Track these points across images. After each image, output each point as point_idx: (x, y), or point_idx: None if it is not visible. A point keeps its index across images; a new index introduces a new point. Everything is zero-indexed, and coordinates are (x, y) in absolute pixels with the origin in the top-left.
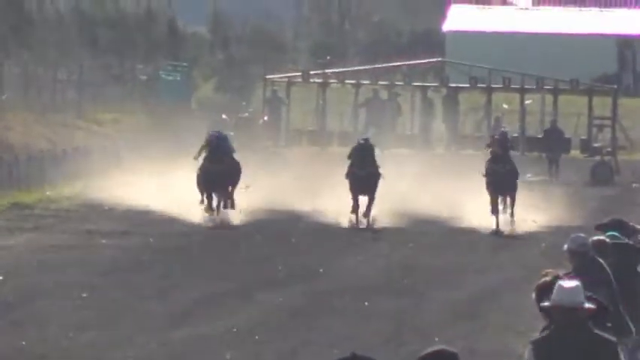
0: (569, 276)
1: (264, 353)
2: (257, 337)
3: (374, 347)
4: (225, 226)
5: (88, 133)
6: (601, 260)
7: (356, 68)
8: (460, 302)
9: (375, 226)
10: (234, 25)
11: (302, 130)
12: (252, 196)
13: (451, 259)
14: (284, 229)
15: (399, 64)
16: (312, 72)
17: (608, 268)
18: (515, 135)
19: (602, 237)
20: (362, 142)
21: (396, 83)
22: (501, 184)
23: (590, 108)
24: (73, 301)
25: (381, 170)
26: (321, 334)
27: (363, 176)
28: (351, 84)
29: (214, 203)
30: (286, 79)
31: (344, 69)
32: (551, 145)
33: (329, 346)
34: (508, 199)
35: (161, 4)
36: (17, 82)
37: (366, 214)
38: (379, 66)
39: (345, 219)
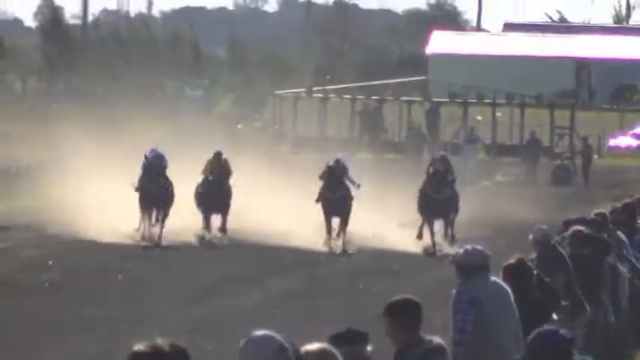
0: (531, 261)
1: (273, 327)
2: (266, 314)
3: (366, 323)
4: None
5: (122, 140)
6: (560, 249)
7: (352, 85)
8: (439, 283)
9: (350, 251)
10: (248, 49)
11: (306, 137)
12: (256, 197)
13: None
14: (286, 224)
15: (388, 81)
16: (314, 88)
17: (566, 256)
18: (488, 142)
19: (581, 227)
20: (332, 165)
21: (387, 98)
22: (437, 209)
23: (552, 119)
24: (110, 282)
25: (353, 192)
26: (322, 311)
27: (335, 200)
28: (348, 98)
29: (152, 220)
30: (293, 95)
31: (342, 86)
32: (531, 153)
33: (328, 322)
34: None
35: (186, 31)
36: (64, 96)
37: (340, 236)
38: (372, 83)
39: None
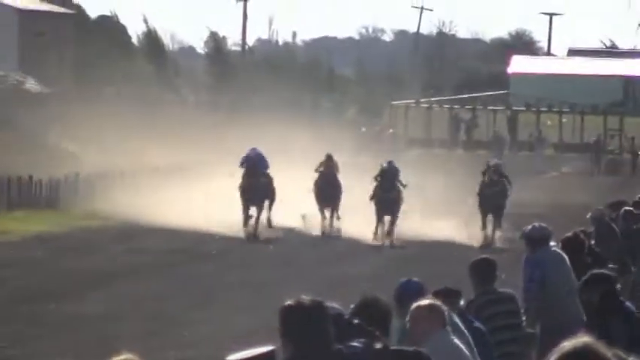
0: (589, 234)
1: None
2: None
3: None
4: (259, 239)
5: (269, 143)
6: (613, 225)
7: (450, 97)
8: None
9: (398, 244)
10: (370, 69)
11: (415, 138)
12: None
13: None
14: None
15: (478, 94)
16: (421, 100)
17: (617, 230)
18: (556, 142)
19: (630, 208)
20: (385, 167)
21: (477, 107)
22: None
23: (605, 124)
24: (263, 251)
25: (402, 192)
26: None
27: (387, 199)
28: (447, 108)
29: (253, 218)
30: (405, 105)
31: (442, 98)
32: (595, 151)
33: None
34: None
35: (322, 55)
36: (227, 107)
37: (389, 231)
38: (465, 96)
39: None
